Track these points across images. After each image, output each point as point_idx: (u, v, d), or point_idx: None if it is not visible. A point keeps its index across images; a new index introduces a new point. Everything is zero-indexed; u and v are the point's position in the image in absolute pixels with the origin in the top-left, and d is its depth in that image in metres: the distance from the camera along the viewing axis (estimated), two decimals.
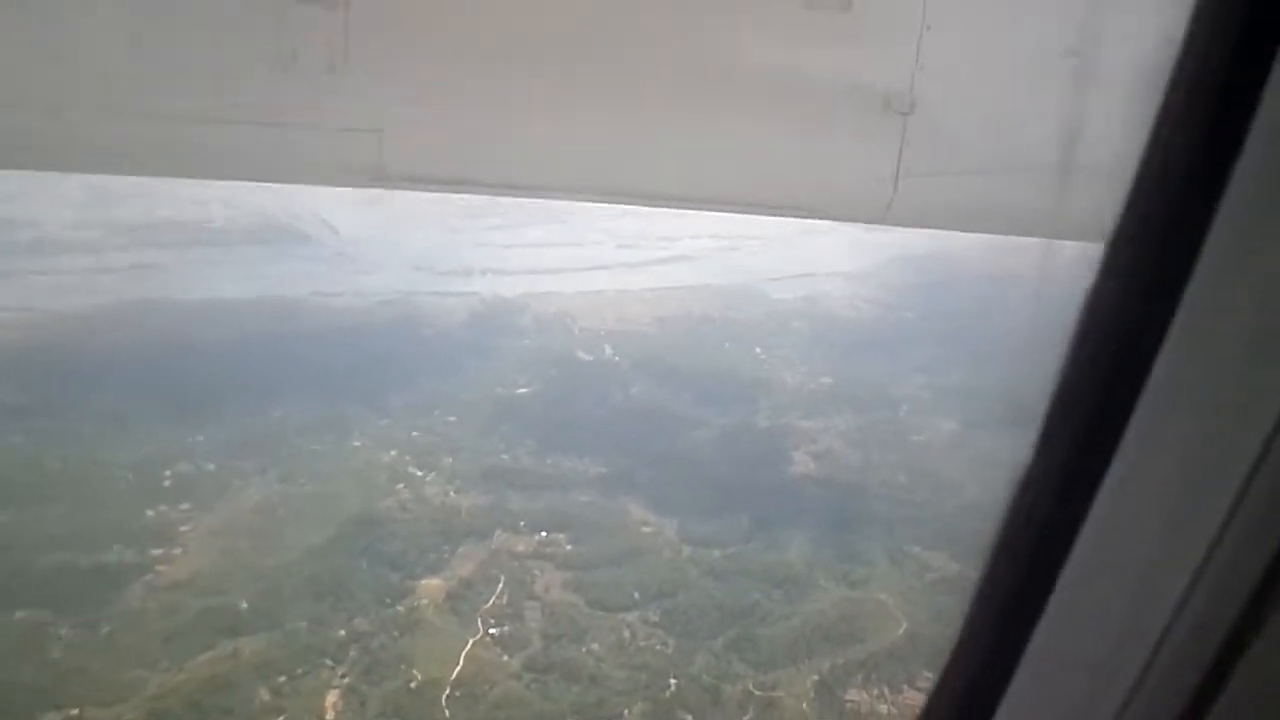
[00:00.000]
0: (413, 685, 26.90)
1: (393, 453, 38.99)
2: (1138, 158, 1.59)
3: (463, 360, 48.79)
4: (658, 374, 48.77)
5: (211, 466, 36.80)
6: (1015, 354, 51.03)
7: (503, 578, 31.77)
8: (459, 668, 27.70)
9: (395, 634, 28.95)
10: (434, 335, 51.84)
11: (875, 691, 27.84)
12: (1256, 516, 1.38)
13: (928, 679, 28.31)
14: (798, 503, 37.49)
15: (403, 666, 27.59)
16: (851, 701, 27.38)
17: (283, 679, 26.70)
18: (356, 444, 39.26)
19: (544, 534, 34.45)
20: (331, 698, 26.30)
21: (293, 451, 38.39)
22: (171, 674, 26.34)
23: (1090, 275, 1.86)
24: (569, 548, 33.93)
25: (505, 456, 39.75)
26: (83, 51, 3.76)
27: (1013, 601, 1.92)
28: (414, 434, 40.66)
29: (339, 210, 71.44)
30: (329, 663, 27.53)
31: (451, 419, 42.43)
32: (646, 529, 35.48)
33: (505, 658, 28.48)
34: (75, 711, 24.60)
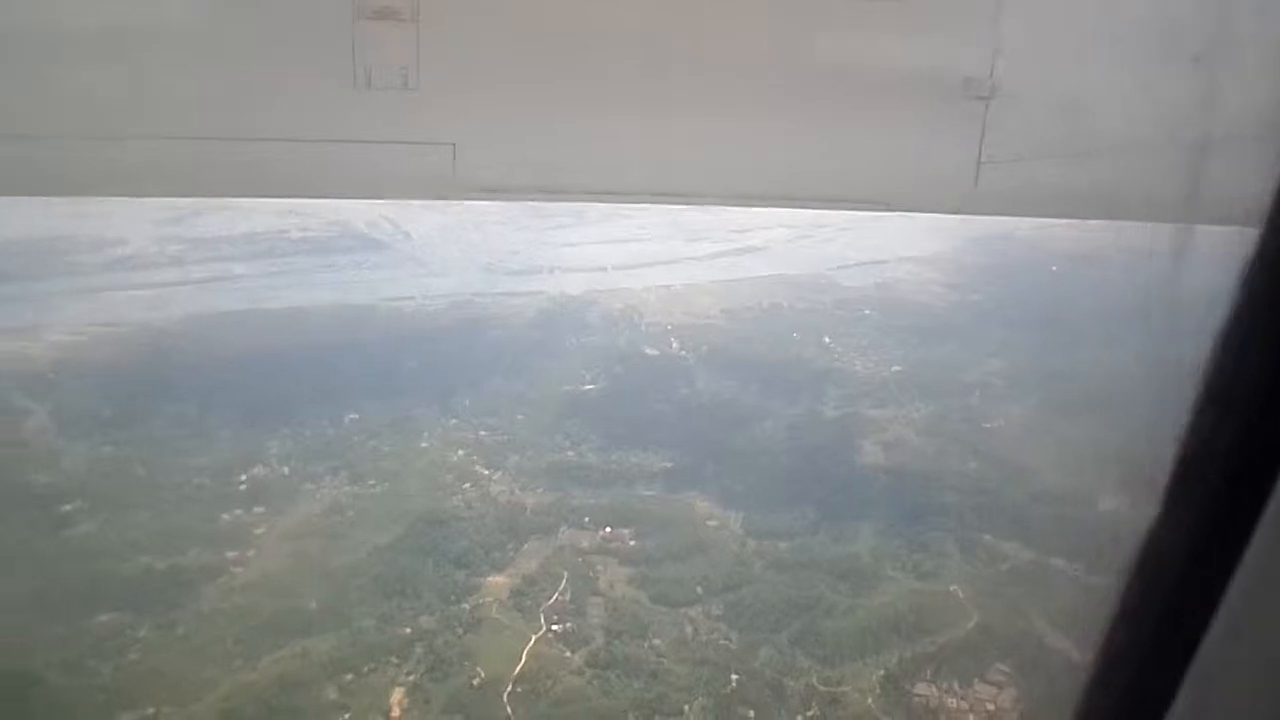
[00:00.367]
0: (475, 682, 27.14)
1: (460, 452, 39.45)
2: None
3: (530, 359, 49.15)
4: (724, 367, 48.37)
5: (285, 470, 37.77)
6: (1091, 336, 49.41)
7: (566, 574, 31.85)
8: (521, 664, 27.86)
9: (460, 631, 29.26)
10: (502, 335, 52.32)
11: (945, 685, 27.03)
12: None
13: (1000, 672, 27.47)
14: (866, 493, 36.74)
15: (466, 663, 27.87)
16: (920, 696, 26.64)
17: (350, 677, 27.21)
18: (424, 445, 39.85)
19: (608, 529, 34.47)
20: (397, 695, 26.70)
21: (363, 454, 39.15)
22: (243, 673, 27.07)
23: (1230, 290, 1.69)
24: (633, 543, 33.87)
25: (571, 453, 39.90)
26: (163, 79, 3.92)
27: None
28: (481, 433, 41.11)
29: (412, 215, 72.89)
30: (395, 660, 27.96)
31: (518, 417, 42.78)
32: (711, 523, 35.19)
33: (567, 654, 28.55)
34: (151, 711, 25.45)
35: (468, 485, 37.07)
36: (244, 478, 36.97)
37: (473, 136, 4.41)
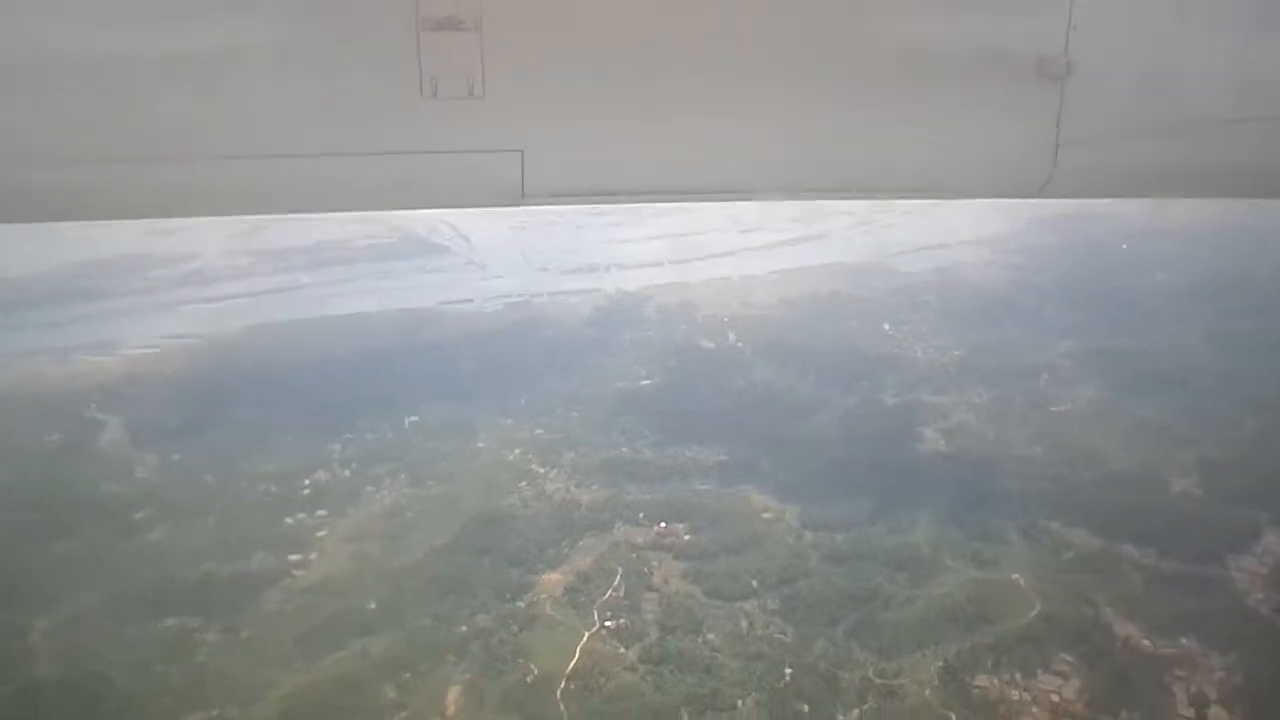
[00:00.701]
0: (529, 680, 27.28)
1: (516, 451, 39.76)
2: None
3: (585, 357, 49.30)
4: (781, 357, 47.87)
5: (347, 474, 38.51)
6: (1162, 316, 47.84)
7: (620, 570, 31.82)
8: (575, 661, 27.92)
9: (515, 629, 29.45)
10: (557, 334, 52.59)
11: (1006, 677, 26.29)
12: None
13: (1065, 662, 26.68)
14: (925, 482, 36.00)
15: (521, 661, 28.03)
16: (980, 688, 25.94)
17: (407, 676, 27.59)
18: (481, 445, 40.25)
19: (663, 525, 34.36)
20: (453, 693, 26.98)
21: (422, 456, 39.70)
22: (304, 674, 27.65)
23: None
24: (687, 538, 33.70)
25: (625, 449, 39.89)
26: (232, 98, 4.08)
27: None
28: (537, 432, 41.37)
29: (471, 219, 73.78)
30: (451, 659, 28.27)
31: (574, 415, 42.94)
32: (767, 515, 34.84)
33: (621, 650, 28.51)
34: (215, 712, 26.15)
35: (523, 484, 37.32)
36: (307, 482, 37.76)
37: (541, 142, 4.43)
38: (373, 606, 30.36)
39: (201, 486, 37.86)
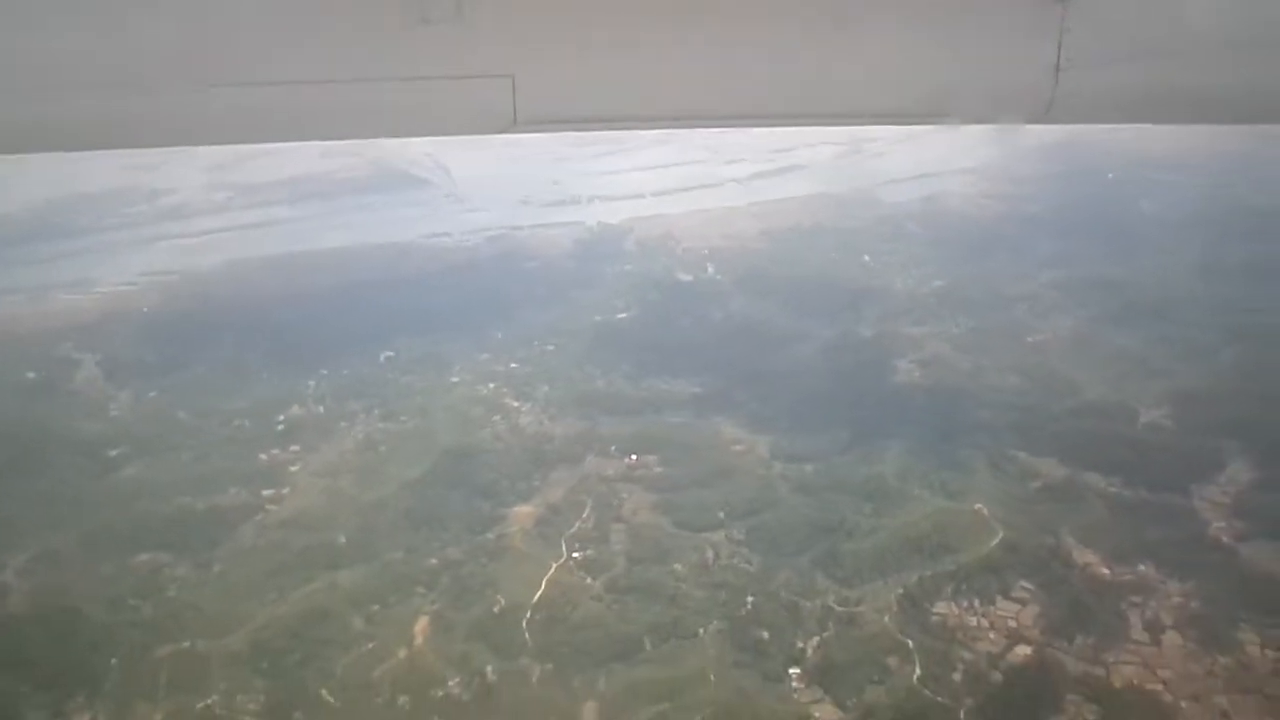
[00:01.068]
0: (496, 610, 27.57)
1: (491, 385, 39.80)
2: None
3: (564, 290, 49.08)
4: (760, 290, 47.66)
5: (321, 409, 38.59)
6: (1152, 244, 47.55)
7: (590, 502, 32.00)
8: (541, 591, 28.19)
9: (484, 561, 29.70)
10: (537, 267, 52.33)
11: (965, 604, 26.57)
12: None
13: (1024, 589, 26.98)
14: (899, 413, 36.01)
15: (489, 592, 28.30)
16: (938, 615, 26.22)
17: (376, 607, 27.91)
18: (455, 379, 40.28)
19: (634, 457, 34.46)
20: (421, 624, 27.31)
21: (397, 390, 39.77)
22: (275, 606, 27.95)
23: None
24: (658, 470, 33.84)
25: (600, 382, 39.94)
26: (220, 27, 3.95)
27: None
28: (512, 365, 41.37)
29: (451, 151, 72.88)
30: (420, 591, 28.56)
31: (550, 349, 42.93)
32: (738, 447, 34.95)
33: (588, 580, 28.77)
34: (187, 644, 26.52)
35: (497, 418, 37.40)
36: (281, 418, 37.87)
37: (531, 67, 4.32)
38: (343, 541, 30.58)
39: (176, 423, 37.96)
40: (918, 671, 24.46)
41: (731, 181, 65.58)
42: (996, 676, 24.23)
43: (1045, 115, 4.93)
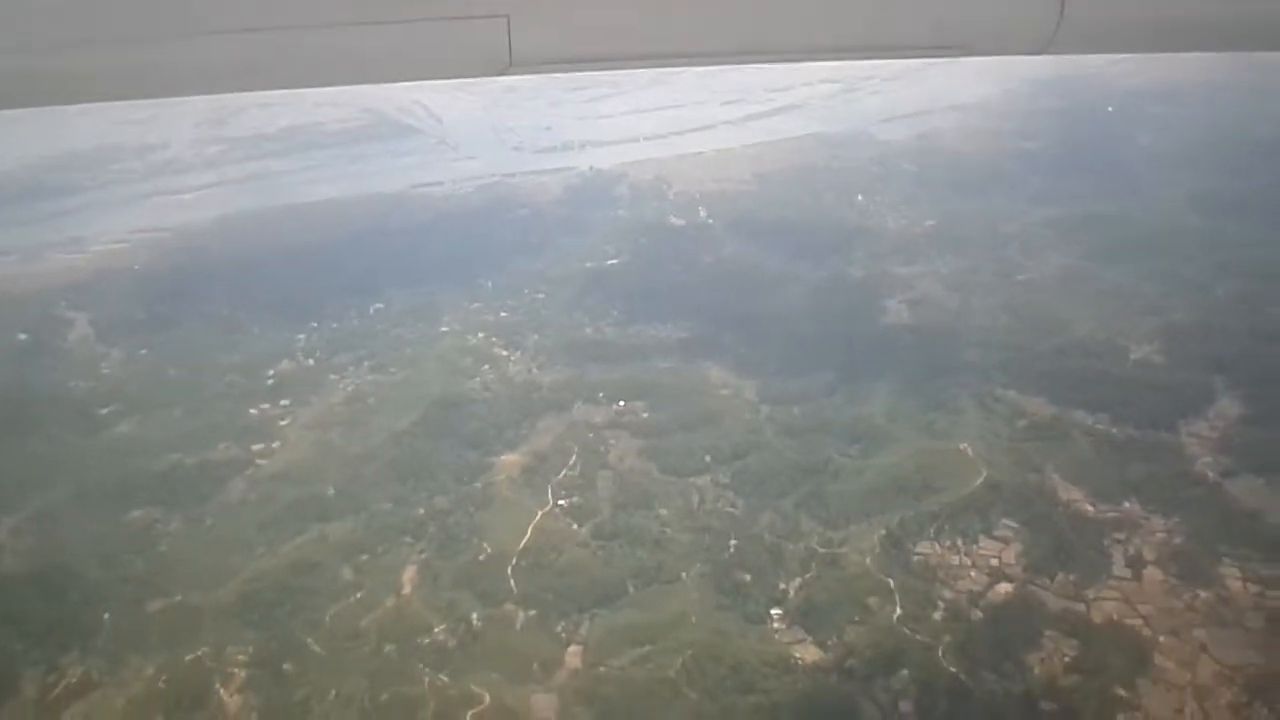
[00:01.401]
0: (482, 558, 27.78)
1: (480, 335, 39.74)
2: None
3: (555, 237, 48.79)
4: (751, 232, 47.23)
5: (311, 363, 38.68)
6: (1148, 179, 46.70)
7: (577, 449, 32.07)
8: (527, 538, 28.38)
9: (471, 510, 29.87)
10: (529, 215, 51.94)
11: (948, 543, 26.62)
12: None
13: (1007, 527, 27.00)
14: (887, 354, 35.86)
15: (475, 540, 28.50)
16: (920, 554, 26.29)
17: (365, 558, 28.16)
18: (445, 329, 40.24)
19: (621, 403, 34.47)
20: (409, 573, 27.57)
21: (386, 342, 39.77)
22: (264, 559, 28.26)
23: None
24: (645, 415, 33.85)
25: (589, 329, 39.86)
26: None
27: None
28: (502, 314, 41.30)
29: (443, 99, 72.15)
30: (408, 540, 28.77)
31: (540, 296, 42.80)
32: (724, 391, 34.92)
33: (574, 526, 28.94)
34: (178, 598, 26.88)
35: (486, 367, 37.40)
36: (271, 372, 37.98)
37: (527, 6, 4.24)
38: (332, 492, 30.79)
39: (167, 380, 38.11)
40: (898, 611, 24.59)
41: (726, 124, 64.66)
42: (976, 614, 24.33)
43: (1050, 46, 4.78)
